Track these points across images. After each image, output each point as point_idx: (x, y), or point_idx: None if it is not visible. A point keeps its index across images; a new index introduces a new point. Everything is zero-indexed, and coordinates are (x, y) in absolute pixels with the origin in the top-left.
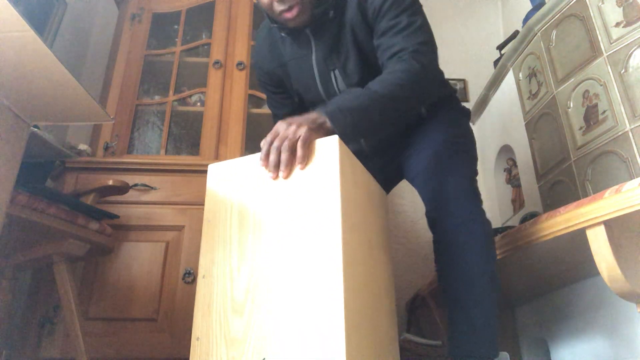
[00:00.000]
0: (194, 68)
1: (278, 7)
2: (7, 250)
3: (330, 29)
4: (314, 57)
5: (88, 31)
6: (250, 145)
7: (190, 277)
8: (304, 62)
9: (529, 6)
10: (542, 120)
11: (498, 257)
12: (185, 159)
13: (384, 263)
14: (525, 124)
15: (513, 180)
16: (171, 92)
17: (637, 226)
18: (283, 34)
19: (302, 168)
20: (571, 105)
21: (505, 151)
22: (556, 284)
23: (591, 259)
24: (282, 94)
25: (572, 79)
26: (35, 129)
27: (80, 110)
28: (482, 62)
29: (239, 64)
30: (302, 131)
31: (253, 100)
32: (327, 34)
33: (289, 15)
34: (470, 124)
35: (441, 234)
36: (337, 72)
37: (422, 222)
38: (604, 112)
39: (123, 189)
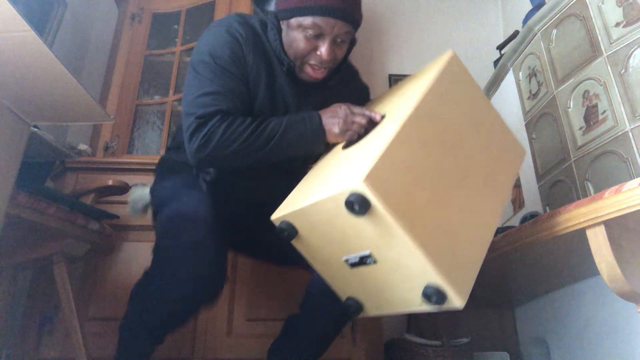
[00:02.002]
0: None
1: (310, 59)
2: (7, 250)
3: (321, 91)
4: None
5: (88, 31)
6: None
7: None
8: (280, 95)
9: (529, 6)
10: (542, 120)
11: (498, 257)
12: None
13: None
14: (525, 124)
15: None
16: (171, 92)
17: (637, 226)
18: (283, 69)
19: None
20: (571, 105)
21: None
22: (556, 284)
23: (591, 259)
24: (245, 90)
25: (572, 79)
26: (35, 129)
27: (80, 110)
28: (482, 62)
29: None
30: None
31: None
32: (317, 95)
33: (312, 74)
34: None
35: None
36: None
37: None
38: (604, 112)
39: (123, 189)
